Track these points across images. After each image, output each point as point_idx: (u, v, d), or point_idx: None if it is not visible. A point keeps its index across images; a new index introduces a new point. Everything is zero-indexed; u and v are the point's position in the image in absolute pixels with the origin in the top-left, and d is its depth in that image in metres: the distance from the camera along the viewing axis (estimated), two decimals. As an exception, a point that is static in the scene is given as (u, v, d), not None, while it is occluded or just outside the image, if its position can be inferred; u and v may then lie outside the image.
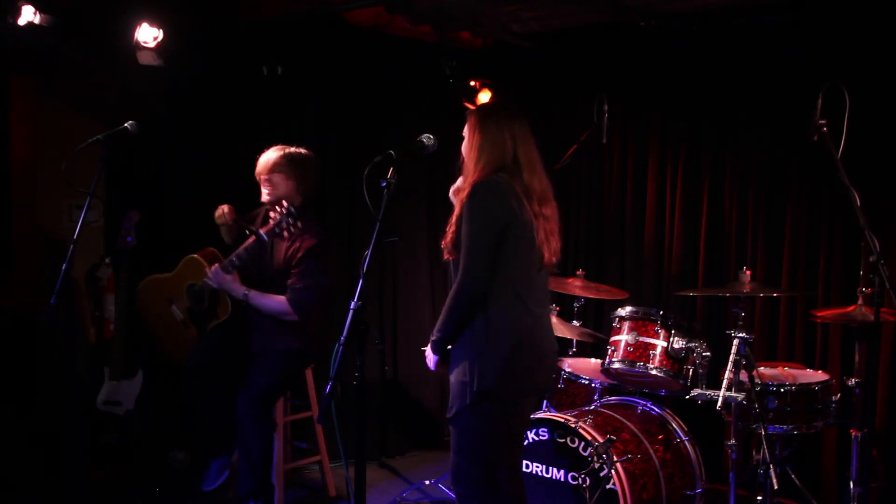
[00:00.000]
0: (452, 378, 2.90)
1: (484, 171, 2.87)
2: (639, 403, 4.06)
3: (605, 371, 4.01)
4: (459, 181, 2.98)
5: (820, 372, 4.01)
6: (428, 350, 3.00)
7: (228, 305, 4.05)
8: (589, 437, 3.56)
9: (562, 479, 3.66)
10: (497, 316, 2.83)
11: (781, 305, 4.43)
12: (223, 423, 4.05)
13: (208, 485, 4.28)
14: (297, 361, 4.09)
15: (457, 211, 2.90)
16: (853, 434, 3.70)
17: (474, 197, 2.82)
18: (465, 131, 2.99)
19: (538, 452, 3.71)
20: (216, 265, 3.94)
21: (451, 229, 2.91)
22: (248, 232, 3.91)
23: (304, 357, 4.12)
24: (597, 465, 3.52)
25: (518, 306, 2.87)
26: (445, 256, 2.95)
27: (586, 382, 4.17)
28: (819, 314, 3.87)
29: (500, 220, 2.81)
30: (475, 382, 2.81)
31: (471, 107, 3.17)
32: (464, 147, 2.99)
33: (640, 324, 3.91)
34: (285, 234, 3.73)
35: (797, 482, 3.93)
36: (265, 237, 3.76)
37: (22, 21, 3.92)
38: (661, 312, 3.89)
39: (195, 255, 4.13)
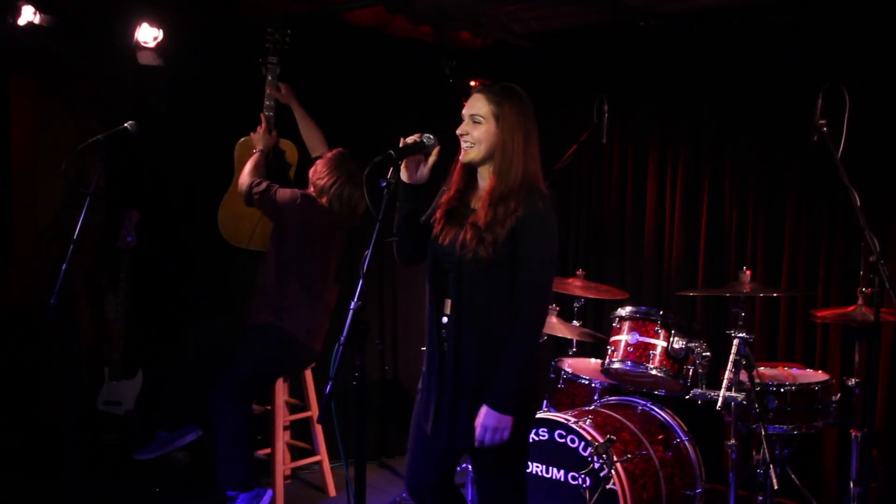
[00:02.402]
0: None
1: (540, 183, 2.70)
2: (639, 403, 4.06)
3: (605, 371, 4.01)
4: (490, 180, 2.67)
5: (820, 372, 4.01)
6: (495, 416, 2.58)
7: (291, 146, 4.36)
8: (589, 437, 3.56)
9: (562, 479, 3.66)
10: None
11: (781, 305, 4.43)
12: (194, 402, 4.05)
13: (143, 454, 4.17)
14: (271, 340, 3.95)
15: (488, 216, 2.62)
16: (853, 434, 3.71)
17: (548, 217, 2.64)
18: (504, 114, 2.67)
19: (538, 452, 3.71)
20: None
21: (482, 233, 2.61)
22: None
23: (281, 338, 3.95)
24: (597, 465, 3.52)
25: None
26: (470, 257, 2.62)
27: (586, 382, 4.17)
28: (819, 314, 3.87)
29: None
30: (529, 396, 2.72)
31: (512, 89, 2.79)
32: (507, 135, 2.67)
33: (640, 324, 3.91)
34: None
35: (797, 482, 3.93)
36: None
37: (22, 21, 3.92)
38: (661, 312, 3.89)
39: (241, 140, 4.34)
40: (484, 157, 2.69)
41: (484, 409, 2.60)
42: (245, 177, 4.02)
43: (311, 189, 4.02)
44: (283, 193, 3.92)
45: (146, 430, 4.37)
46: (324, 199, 3.96)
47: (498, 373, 2.60)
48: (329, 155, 4.04)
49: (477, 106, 2.70)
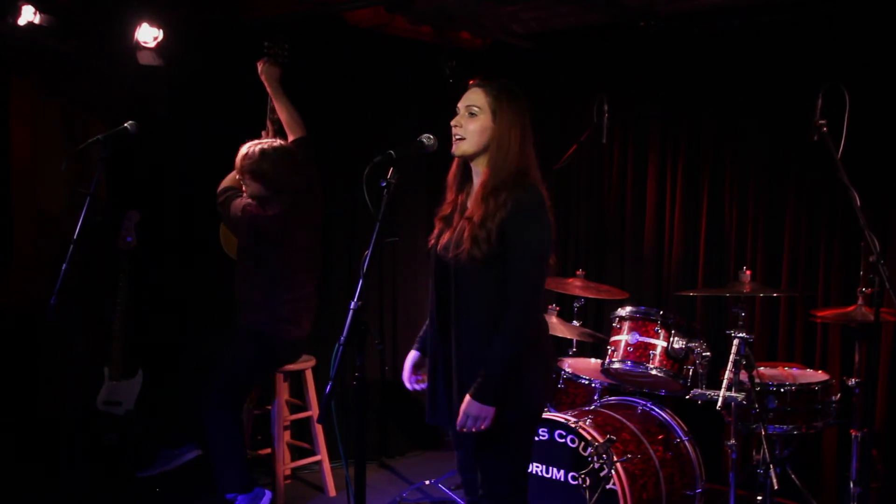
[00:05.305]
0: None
1: (531, 176, 2.66)
2: (639, 403, 4.06)
3: (605, 371, 4.01)
4: (483, 176, 2.65)
5: (820, 372, 4.01)
6: (475, 406, 2.57)
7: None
8: (589, 437, 3.56)
9: (562, 479, 3.66)
10: (540, 323, 2.76)
11: (781, 305, 4.43)
12: (194, 419, 4.06)
13: (146, 472, 4.26)
14: (242, 340, 3.95)
15: (480, 210, 2.60)
16: (853, 434, 3.71)
17: (536, 208, 2.59)
18: (503, 109, 2.65)
19: (538, 452, 3.71)
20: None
21: (475, 230, 2.59)
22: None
23: (250, 334, 3.94)
24: (597, 465, 3.52)
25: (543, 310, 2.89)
26: (464, 256, 2.61)
27: (586, 382, 4.17)
28: (819, 314, 3.87)
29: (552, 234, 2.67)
30: (538, 390, 2.70)
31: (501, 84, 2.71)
32: (503, 130, 2.64)
33: (640, 324, 3.91)
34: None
35: (797, 482, 3.93)
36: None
37: (22, 21, 3.92)
38: (661, 312, 3.89)
39: None
40: (477, 150, 2.67)
41: (466, 397, 2.59)
42: (223, 182, 4.04)
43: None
44: (233, 207, 3.92)
45: (148, 447, 4.41)
46: (273, 203, 3.89)
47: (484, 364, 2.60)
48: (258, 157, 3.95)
49: (473, 98, 2.67)
